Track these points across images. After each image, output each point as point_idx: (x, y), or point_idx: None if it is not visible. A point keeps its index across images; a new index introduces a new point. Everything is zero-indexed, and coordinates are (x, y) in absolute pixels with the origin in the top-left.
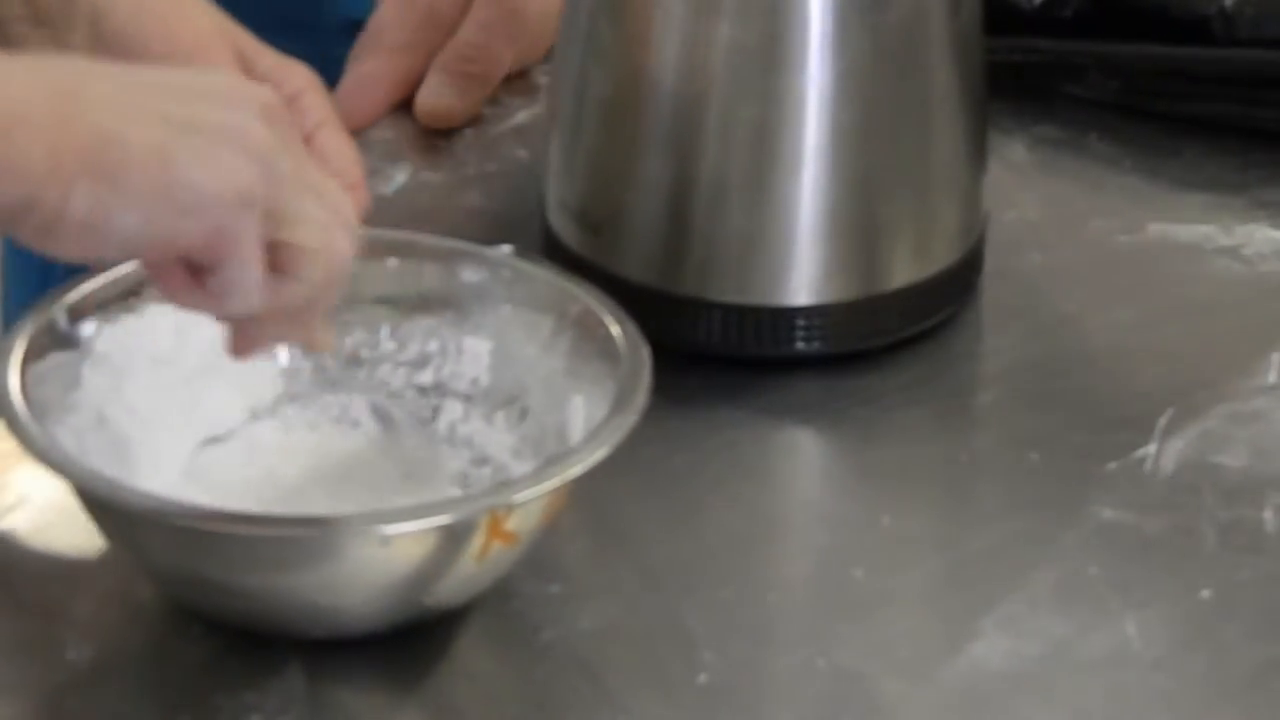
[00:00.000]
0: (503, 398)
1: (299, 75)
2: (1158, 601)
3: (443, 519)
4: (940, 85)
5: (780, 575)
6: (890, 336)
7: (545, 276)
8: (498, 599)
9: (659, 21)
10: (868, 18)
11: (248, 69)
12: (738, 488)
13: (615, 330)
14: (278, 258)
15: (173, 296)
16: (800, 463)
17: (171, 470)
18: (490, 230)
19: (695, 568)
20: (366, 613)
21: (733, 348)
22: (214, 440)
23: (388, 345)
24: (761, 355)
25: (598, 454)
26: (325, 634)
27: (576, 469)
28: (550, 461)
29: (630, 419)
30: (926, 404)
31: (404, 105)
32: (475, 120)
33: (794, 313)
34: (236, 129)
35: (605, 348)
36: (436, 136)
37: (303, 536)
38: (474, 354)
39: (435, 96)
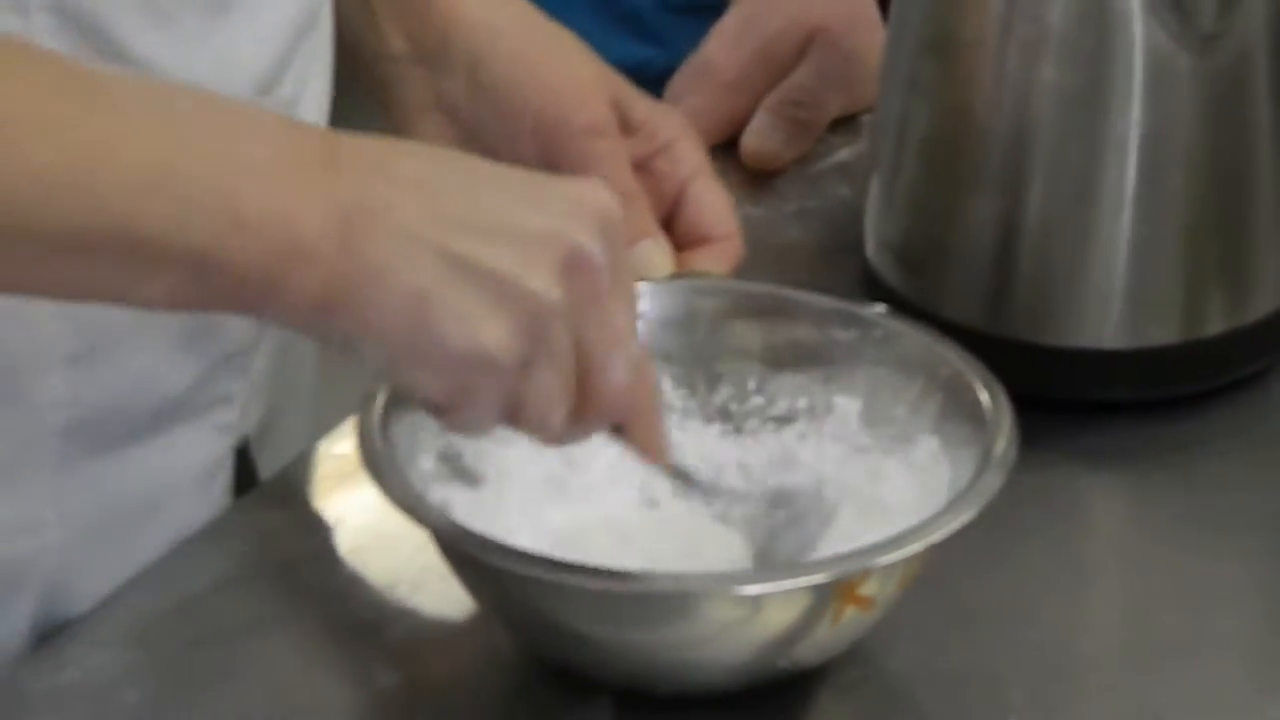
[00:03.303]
0: None
1: (672, 124)
2: None
3: (799, 582)
4: (1264, 129)
5: (1091, 619)
6: (1208, 383)
7: (917, 337)
8: None
9: (983, 64)
10: (1192, 62)
11: (623, 117)
12: (1050, 530)
13: (983, 395)
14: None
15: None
16: (1113, 507)
17: (526, 524)
18: (809, 267)
19: (1005, 609)
20: (719, 672)
21: (1049, 390)
22: (570, 493)
23: (756, 400)
24: (1077, 398)
25: (956, 522)
26: (676, 690)
27: (934, 536)
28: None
29: (993, 486)
30: (1243, 452)
31: (728, 140)
32: (798, 157)
33: (1112, 357)
34: (514, 279)
35: (972, 412)
36: (759, 172)
37: (664, 594)
38: (843, 412)
39: (762, 139)
